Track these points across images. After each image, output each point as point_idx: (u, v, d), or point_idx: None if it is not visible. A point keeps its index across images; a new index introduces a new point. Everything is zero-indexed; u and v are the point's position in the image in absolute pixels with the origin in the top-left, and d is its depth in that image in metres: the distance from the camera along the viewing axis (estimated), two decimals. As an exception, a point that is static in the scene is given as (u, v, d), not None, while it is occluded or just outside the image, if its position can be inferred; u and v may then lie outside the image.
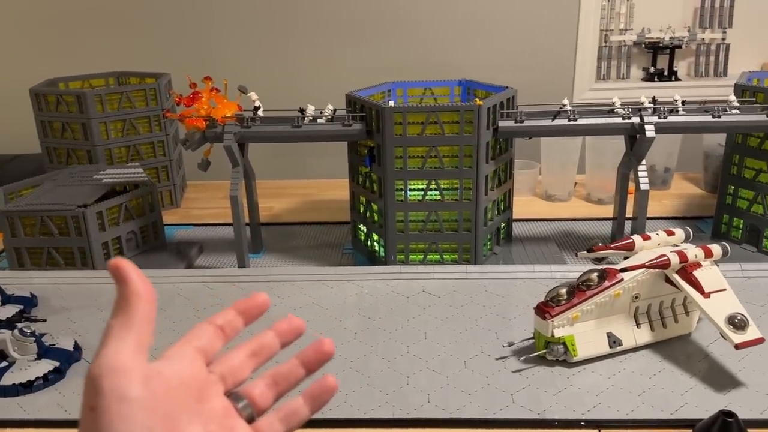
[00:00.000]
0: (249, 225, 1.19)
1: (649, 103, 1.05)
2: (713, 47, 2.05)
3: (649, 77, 2.04)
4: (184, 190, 1.57)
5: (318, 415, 0.78)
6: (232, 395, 0.40)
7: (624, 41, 2.03)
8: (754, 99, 1.09)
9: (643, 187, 1.04)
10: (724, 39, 2.04)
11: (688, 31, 2.01)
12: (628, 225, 1.14)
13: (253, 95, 1.07)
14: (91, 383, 0.34)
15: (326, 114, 1.08)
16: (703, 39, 2.04)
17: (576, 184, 1.48)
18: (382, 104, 1.04)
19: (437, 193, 1.09)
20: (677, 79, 2.04)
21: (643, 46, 2.03)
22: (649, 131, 1.01)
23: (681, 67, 2.07)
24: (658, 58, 2.04)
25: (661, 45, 2.01)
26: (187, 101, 1.05)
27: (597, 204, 1.43)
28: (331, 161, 1.59)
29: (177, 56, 1.91)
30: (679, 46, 2.01)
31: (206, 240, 1.28)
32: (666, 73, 2.04)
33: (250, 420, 0.40)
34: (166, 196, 1.45)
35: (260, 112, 1.07)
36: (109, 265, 0.36)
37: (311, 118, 1.07)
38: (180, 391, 0.36)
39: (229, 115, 1.05)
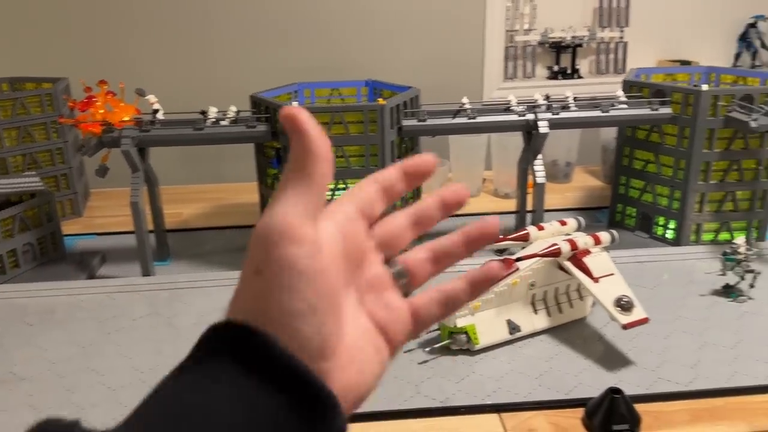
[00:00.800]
0: (154, 232, 1.17)
1: (543, 100, 1.10)
2: (612, 45, 2.15)
3: (553, 75, 2.12)
4: (88, 199, 1.52)
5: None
6: (389, 263, 0.37)
7: (528, 41, 2.10)
8: (640, 94, 1.15)
9: (539, 180, 1.09)
10: (622, 37, 2.15)
11: (588, 30, 2.11)
12: (529, 217, 1.18)
13: (152, 98, 1.05)
14: (261, 243, 0.31)
15: (229, 116, 1.07)
16: (603, 38, 2.14)
17: (484, 180, 1.52)
18: (286, 105, 1.04)
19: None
20: (580, 77, 2.14)
21: (547, 45, 2.11)
22: (543, 127, 1.06)
23: (583, 65, 2.17)
24: (561, 56, 2.12)
25: (563, 44, 2.09)
26: (81, 106, 1.01)
27: (504, 198, 1.48)
28: (241, 164, 1.57)
29: (75, 60, 1.83)
30: (580, 45, 2.10)
31: (110, 249, 1.24)
32: (569, 71, 2.13)
33: (406, 292, 0.37)
34: (68, 206, 1.40)
35: (160, 115, 1.05)
36: (283, 113, 0.31)
37: (214, 120, 1.05)
38: (342, 258, 0.33)
39: (126, 119, 1.02)
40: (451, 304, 0.38)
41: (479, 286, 0.38)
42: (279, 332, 0.30)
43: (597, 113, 1.09)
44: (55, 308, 1.02)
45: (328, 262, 0.32)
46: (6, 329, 0.96)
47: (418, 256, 0.38)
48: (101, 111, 1.02)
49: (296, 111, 0.31)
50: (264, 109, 1.09)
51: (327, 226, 0.33)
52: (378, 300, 0.36)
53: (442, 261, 0.39)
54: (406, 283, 0.37)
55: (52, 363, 0.87)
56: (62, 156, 1.37)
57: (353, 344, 0.33)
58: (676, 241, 1.16)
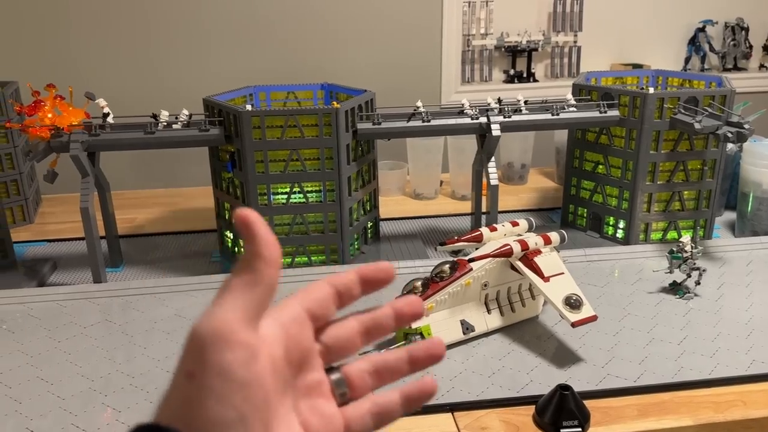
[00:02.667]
0: (105, 238, 1.15)
1: (495, 104, 1.11)
2: (566, 50, 2.20)
3: (509, 79, 2.15)
4: (39, 205, 1.48)
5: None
6: (330, 370, 0.36)
7: (485, 45, 2.13)
8: (589, 97, 1.18)
9: (493, 182, 1.10)
10: (575, 42, 2.20)
11: (543, 35, 2.15)
12: (484, 219, 1.20)
13: (102, 102, 1.03)
14: (195, 346, 0.30)
15: (181, 119, 1.06)
16: (557, 42, 2.18)
17: (442, 182, 1.54)
18: (240, 108, 1.04)
19: (301, 195, 1.10)
20: (535, 81, 2.17)
21: (503, 49, 2.14)
22: (495, 130, 1.08)
23: (538, 68, 2.21)
24: (517, 60, 2.16)
25: (519, 48, 2.13)
26: (29, 110, 0.99)
27: (461, 200, 1.49)
28: (195, 168, 1.55)
29: (23, 63, 1.79)
30: (536, 49, 2.14)
31: (61, 256, 1.21)
32: (525, 75, 2.16)
33: (343, 402, 0.36)
34: (18, 212, 1.36)
35: (110, 119, 1.03)
36: (236, 216, 0.32)
37: (165, 123, 1.04)
38: (282, 362, 0.33)
39: (75, 123, 1.00)
40: (384, 417, 0.37)
41: (414, 401, 0.38)
42: None
43: (547, 116, 1.11)
44: (4, 317, 0.99)
45: (264, 370, 0.31)
46: (-50, 340, 0.93)
47: (359, 367, 0.37)
48: (49, 115, 0.99)
49: (249, 214, 0.32)
50: (217, 112, 1.08)
51: (270, 325, 0.33)
52: (313, 407, 0.35)
53: (383, 376, 0.38)
54: (344, 393, 0.37)
55: (1, 373, 0.85)
56: (12, 161, 1.34)
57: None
58: (626, 240, 1.19)
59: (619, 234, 1.20)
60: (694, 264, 1.01)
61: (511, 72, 2.15)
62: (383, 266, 0.38)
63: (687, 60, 2.26)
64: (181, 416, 0.30)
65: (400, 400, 0.37)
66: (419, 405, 0.38)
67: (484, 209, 1.21)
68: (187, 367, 0.30)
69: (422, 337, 0.86)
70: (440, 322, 0.87)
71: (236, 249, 1.17)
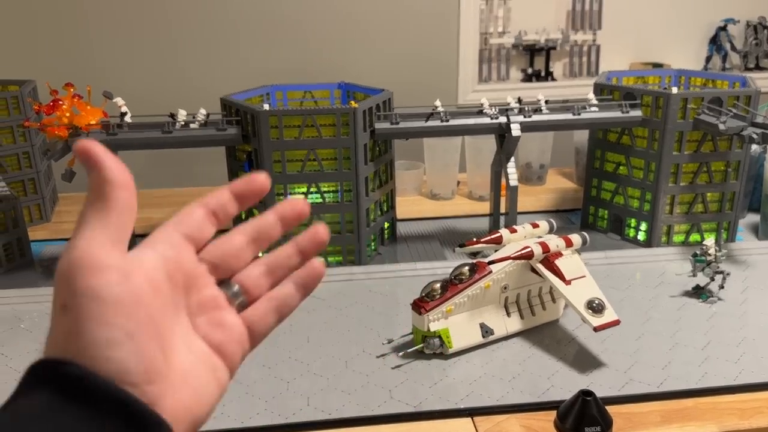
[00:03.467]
0: (123, 236, 1.15)
1: (515, 103, 1.10)
2: (585, 48, 2.18)
3: (527, 78, 2.13)
4: (56, 204, 1.49)
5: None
6: (224, 283, 0.38)
7: (503, 44, 2.11)
8: (611, 96, 1.16)
9: (512, 183, 1.09)
10: (594, 40, 2.17)
11: (562, 33, 2.13)
12: (503, 220, 1.18)
13: (120, 101, 1.03)
14: (62, 279, 0.31)
15: (199, 119, 1.05)
16: (576, 41, 2.16)
17: (459, 182, 1.52)
18: (257, 108, 1.03)
19: (318, 196, 1.09)
20: (553, 80, 2.15)
21: (521, 48, 2.12)
22: (515, 130, 1.06)
23: (557, 67, 2.19)
24: (535, 59, 2.14)
25: (537, 47, 2.11)
26: (47, 109, 0.99)
27: (478, 201, 1.48)
28: (211, 168, 1.55)
29: (42, 62, 1.80)
30: (554, 48, 2.12)
31: (79, 254, 1.21)
32: (543, 74, 2.14)
33: (242, 309, 0.38)
34: (35, 211, 1.37)
35: (128, 118, 1.03)
36: (76, 147, 0.32)
37: (183, 123, 1.04)
38: (165, 285, 0.33)
39: (93, 122, 1.00)
40: (284, 308, 0.39)
41: (307, 286, 0.40)
42: (94, 363, 0.29)
43: (568, 116, 1.10)
44: (21, 316, 1.00)
45: (142, 289, 0.32)
46: (-31, 338, 0.94)
47: (252, 272, 0.39)
48: (67, 114, 0.99)
49: (89, 144, 0.32)
50: (235, 111, 1.08)
51: (144, 252, 0.34)
52: (212, 321, 0.36)
53: (277, 274, 0.39)
54: (243, 301, 0.38)
55: (18, 372, 0.85)
56: (29, 160, 1.34)
57: (186, 367, 0.34)
58: (648, 243, 1.17)
59: (641, 236, 1.18)
60: (718, 267, 0.99)
61: (529, 71, 2.13)
62: (257, 178, 0.38)
63: (708, 59, 2.23)
64: (64, 347, 0.30)
65: (294, 287, 0.39)
66: (312, 288, 0.40)
67: (502, 210, 1.19)
68: (61, 300, 0.30)
69: (441, 340, 0.85)
70: (459, 325, 0.86)
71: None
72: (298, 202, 0.40)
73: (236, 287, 0.38)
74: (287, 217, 0.40)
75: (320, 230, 0.40)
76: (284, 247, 0.40)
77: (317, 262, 0.40)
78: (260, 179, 0.38)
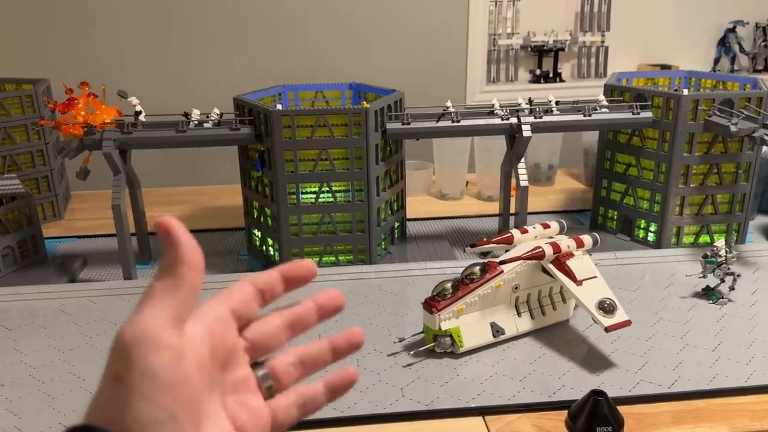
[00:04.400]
0: (136, 235, 1.16)
1: (526, 104, 1.10)
2: (593, 49, 2.18)
3: (535, 79, 2.13)
4: (68, 201, 1.50)
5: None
6: (256, 365, 0.38)
7: (511, 45, 2.11)
8: (622, 98, 1.16)
9: (522, 183, 1.09)
10: (603, 42, 2.17)
11: (570, 34, 2.13)
12: (513, 220, 1.19)
13: (134, 100, 1.04)
14: (121, 350, 0.31)
15: (212, 118, 1.06)
16: (584, 42, 2.16)
17: (468, 182, 1.53)
18: (270, 108, 1.04)
19: (330, 195, 1.10)
20: (562, 81, 2.15)
21: (529, 49, 2.12)
22: (526, 131, 1.06)
23: (565, 68, 2.19)
24: (544, 60, 2.14)
25: (545, 48, 2.11)
26: (62, 108, 1.00)
27: (487, 201, 1.48)
28: (222, 166, 1.56)
29: (56, 61, 1.81)
30: (562, 49, 2.12)
31: (91, 252, 1.23)
32: (551, 75, 2.14)
33: (269, 395, 0.38)
34: (48, 208, 1.38)
35: (142, 117, 1.04)
36: (157, 223, 0.33)
37: (197, 122, 1.05)
38: (208, 361, 0.34)
39: (108, 121, 1.01)
40: (309, 406, 0.39)
41: (337, 390, 0.40)
42: None
43: (579, 117, 1.10)
44: (36, 312, 1.01)
45: (191, 370, 0.32)
46: (-15, 334, 0.95)
47: (285, 360, 0.39)
48: (82, 113, 1.00)
49: (169, 221, 0.33)
50: (248, 111, 1.08)
51: (195, 327, 0.34)
52: (240, 402, 0.36)
53: (308, 367, 0.40)
54: (271, 386, 0.38)
55: (33, 368, 0.86)
56: (43, 158, 1.35)
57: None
58: (657, 244, 1.17)
59: (651, 237, 1.19)
60: (729, 269, 0.99)
61: (538, 72, 2.13)
62: (305, 264, 0.39)
63: (716, 61, 2.22)
64: (111, 418, 0.31)
65: (323, 389, 0.40)
66: (342, 393, 0.40)
67: (512, 211, 1.20)
68: (115, 370, 0.31)
69: (452, 339, 0.86)
70: (470, 325, 0.87)
71: (263, 248, 1.17)
72: (336, 294, 0.40)
73: (267, 371, 0.38)
74: (325, 308, 0.40)
75: (356, 333, 0.41)
76: (319, 342, 0.40)
77: (352, 369, 0.40)
78: (309, 266, 0.39)
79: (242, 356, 0.37)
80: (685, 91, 1.10)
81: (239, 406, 0.36)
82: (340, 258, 1.14)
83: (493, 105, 1.11)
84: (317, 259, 1.13)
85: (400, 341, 0.90)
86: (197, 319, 0.35)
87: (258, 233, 1.18)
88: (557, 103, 1.11)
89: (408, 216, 1.28)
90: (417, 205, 1.45)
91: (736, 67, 2.21)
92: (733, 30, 2.18)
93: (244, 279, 0.38)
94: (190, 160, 1.82)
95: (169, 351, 0.31)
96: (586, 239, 0.91)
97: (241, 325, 0.37)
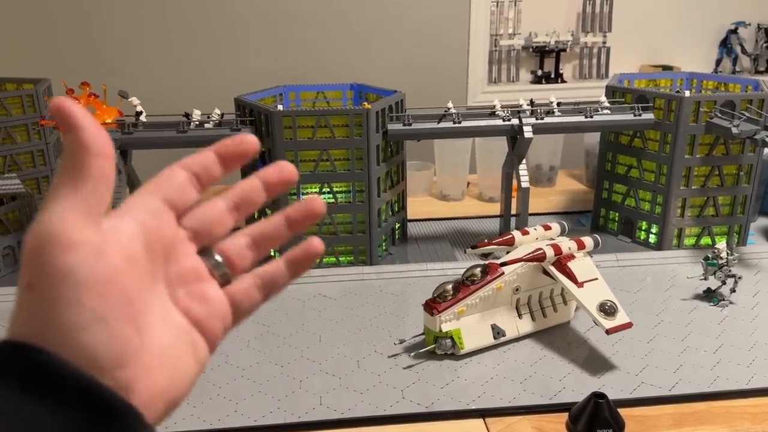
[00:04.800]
0: (137, 235, 1.15)
1: (527, 105, 1.10)
2: (595, 50, 2.17)
3: (537, 80, 2.13)
4: (70, 201, 1.50)
5: (206, 425, 0.77)
6: (205, 252, 0.35)
7: (513, 45, 2.11)
8: (623, 99, 1.16)
9: (524, 185, 1.09)
10: (605, 42, 2.17)
11: (572, 35, 2.13)
12: (514, 221, 1.19)
13: (135, 100, 1.04)
14: (29, 255, 0.28)
15: (213, 119, 1.06)
16: (586, 43, 2.16)
17: (468, 183, 1.53)
18: (271, 108, 1.04)
19: (331, 196, 1.10)
20: (563, 81, 2.15)
21: (531, 50, 2.12)
22: (527, 132, 1.06)
23: (566, 69, 2.19)
24: (545, 61, 2.14)
25: (547, 49, 2.11)
26: (63, 108, 1.00)
27: (488, 202, 1.48)
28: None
29: (57, 61, 1.82)
30: (564, 50, 2.12)
31: (92, 252, 1.22)
32: (553, 76, 2.14)
33: (225, 282, 0.35)
34: (49, 208, 1.38)
35: (143, 118, 1.04)
36: (52, 106, 0.28)
37: (198, 123, 1.05)
38: (142, 256, 0.31)
39: (109, 121, 1.01)
40: (272, 286, 0.36)
41: (300, 265, 0.36)
42: (62, 348, 0.27)
43: (581, 118, 1.10)
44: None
45: (116, 265, 0.29)
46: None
47: (237, 242, 0.36)
48: (83, 113, 1.00)
49: (67, 103, 0.28)
50: (248, 112, 1.08)
51: (120, 222, 0.31)
52: (192, 294, 0.34)
53: (263, 246, 0.36)
54: (226, 273, 0.35)
55: (32, 369, 0.86)
56: (44, 158, 1.35)
57: (163, 346, 0.31)
58: (658, 246, 1.17)
59: (652, 239, 1.18)
60: (730, 271, 0.99)
61: (539, 72, 2.13)
62: (243, 138, 0.35)
63: (718, 62, 2.22)
64: (33, 331, 0.28)
65: (285, 265, 0.36)
66: (306, 267, 0.37)
67: (513, 212, 1.19)
68: (27, 277, 0.28)
69: (452, 340, 0.85)
70: (471, 326, 0.87)
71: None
72: (285, 164, 0.36)
73: (219, 258, 0.35)
74: (272, 182, 0.36)
75: (316, 201, 0.36)
76: (272, 217, 0.36)
77: (315, 240, 0.36)
78: (248, 139, 0.35)
79: (186, 246, 0.34)
80: (687, 93, 1.10)
81: (191, 298, 0.33)
82: (340, 259, 1.13)
83: (494, 106, 1.11)
84: (318, 259, 1.13)
85: (400, 343, 0.90)
86: (124, 214, 0.31)
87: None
88: (559, 104, 1.11)
89: (408, 217, 1.28)
90: (418, 206, 1.45)
91: (737, 69, 2.21)
92: (735, 31, 2.17)
93: (174, 164, 0.34)
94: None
95: (84, 248, 0.28)
96: (587, 241, 0.91)
97: (179, 213, 0.34)
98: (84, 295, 0.28)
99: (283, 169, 0.36)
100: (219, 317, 0.35)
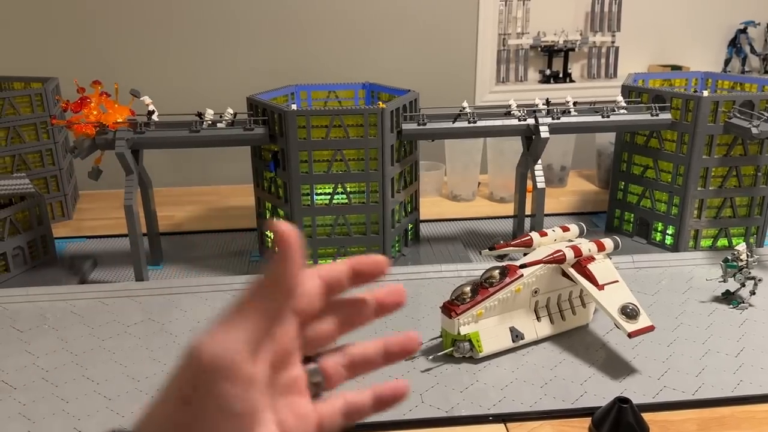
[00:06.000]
0: (147, 235, 1.14)
1: (543, 105, 1.09)
2: (604, 50, 2.16)
3: (545, 79, 2.12)
4: (77, 201, 1.49)
5: None
6: (306, 360, 0.35)
7: (521, 45, 2.10)
8: (640, 99, 1.15)
9: (539, 185, 1.08)
10: (613, 42, 2.16)
11: (581, 34, 2.11)
12: (528, 222, 1.17)
13: (147, 99, 1.03)
14: (196, 372, 0.28)
15: (226, 118, 1.05)
16: (595, 42, 2.14)
17: (479, 183, 1.51)
18: (285, 108, 1.03)
19: (344, 196, 1.09)
20: (571, 81, 2.14)
21: (539, 49, 2.11)
22: (544, 132, 1.05)
23: (575, 69, 2.17)
24: (554, 60, 2.12)
25: (555, 48, 2.09)
26: (74, 107, 0.99)
27: (499, 202, 1.47)
28: (234, 166, 1.55)
29: (67, 59, 1.80)
30: (573, 49, 2.11)
31: (101, 253, 1.21)
32: (561, 75, 2.13)
33: (315, 393, 0.35)
34: (57, 208, 1.37)
35: (155, 117, 1.02)
36: (276, 232, 0.29)
37: (210, 122, 1.03)
38: (269, 371, 0.32)
39: (120, 120, 1.00)
40: (355, 416, 0.36)
41: (384, 403, 0.37)
42: None
43: (597, 118, 1.09)
44: (46, 313, 0.99)
45: (258, 396, 0.30)
46: (-5, 336, 0.93)
47: (336, 360, 0.36)
48: (95, 112, 0.99)
49: (290, 233, 0.29)
50: (261, 111, 1.07)
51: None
52: (289, 406, 0.34)
53: (358, 369, 0.37)
54: (318, 383, 0.35)
55: (45, 371, 0.84)
56: (52, 157, 1.34)
57: None
58: (675, 247, 1.16)
59: (668, 240, 1.17)
60: (750, 273, 0.97)
61: (547, 72, 2.12)
62: (378, 259, 0.35)
63: (727, 62, 2.21)
64: None
65: (371, 400, 0.37)
66: (389, 407, 0.37)
67: (527, 212, 1.18)
68: (184, 391, 0.29)
69: (471, 343, 0.84)
70: (489, 329, 0.85)
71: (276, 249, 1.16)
72: (397, 289, 0.37)
73: (316, 366, 0.36)
74: (383, 303, 0.37)
75: (413, 339, 0.37)
76: (373, 343, 0.37)
77: (404, 383, 0.37)
78: (383, 262, 0.35)
79: (297, 354, 0.35)
80: (705, 93, 1.08)
81: (288, 410, 0.34)
82: (353, 260, 1.12)
83: (509, 105, 1.09)
84: (331, 261, 1.12)
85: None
86: None
87: (271, 234, 1.17)
88: (575, 103, 1.10)
89: (421, 217, 1.27)
90: (428, 206, 1.43)
91: (746, 68, 2.19)
92: (744, 31, 2.16)
93: (312, 270, 0.34)
94: (200, 159, 1.81)
95: (246, 382, 0.29)
96: (607, 243, 0.90)
97: (302, 322, 0.34)
98: (229, 423, 0.29)
99: (394, 292, 0.37)
100: None
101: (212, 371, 0.28)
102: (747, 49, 2.18)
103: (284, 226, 0.29)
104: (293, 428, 0.34)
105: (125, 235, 1.05)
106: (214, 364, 0.28)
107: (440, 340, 0.88)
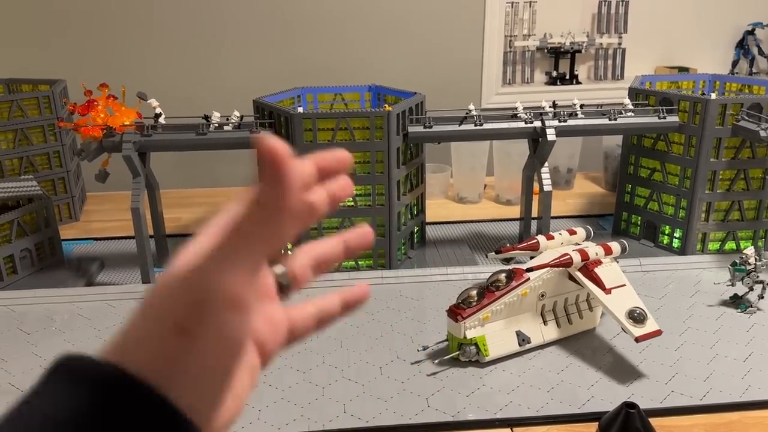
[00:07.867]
0: (154, 237, 1.14)
1: (550, 107, 1.08)
2: (610, 51, 2.16)
3: (551, 81, 2.12)
4: (84, 203, 1.49)
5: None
6: (272, 263, 0.35)
7: (527, 46, 2.10)
8: (647, 102, 1.14)
9: (546, 188, 1.07)
10: (620, 44, 2.15)
11: (587, 36, 2.11)
12: (534, 225, 1.17)
13: (154, 102, 1.03)
14: (196, 301, 0.27)
15: (233, 121, 1.05)
16: (601, 44, 2.14)
17: (485, 186, 1.51)
18: (291, 110, 1.03)
19: (350, 199, 1.09)
20: (578, 83, 2.14)
21: (546, 51, 2.10)
22: (551, 135, 1.05)
23: (581, 70, 2.17)
24: (560, 62, 2.12)
25: (562, 50, 2.09)
26: (81, 110, 0.99)
27: (506, 205, 1.46)
28: (238, 168, 1.55)
29: (73, 62, 1.81)
30: (579, 51, 2.10)
31: (108, 255, 1.22)
32: (567, 77, 2.12)
33: (284, 296, 0.35)
34: (65, 210, 1.37)
35: (162, 120, 1.03)
36: (259, 146, 0.25)
37: (217, 125, 1.04)
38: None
39: (127, 123, 1.00)
40: (325, 320, 0.37)
41: (350, 306, 0.38)
42: (186, 399, 0.27)
43: (604, 121, 1.08)
44: (53, 315, 1.00)
45: (251, 324, 0.30)
46: (4, 337, 0.94)
47: (300, 260, 0.36)
48: (102, 115, 0.99)
49: (281, 148, 0.26)
50: (268, 114, 1.07)
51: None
52: (262, 314, 0.34)
53: (322, 266, 0.36)
54: (287, 286, 0.35)
55: (52, 374, 0.85)
56: (59, 159, 1.35)
57: (237, 375, 0.32)
58: (682, 250, 1.15)
59: (675, 243, 1.16)
60: (758, 277, 0.97)
61: (554, 74, 2.11)
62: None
63: (734, 63, 2.20)
64: (159, 370, 0.27)
65: (339, 304, 0.37)
66: (354, 309, 0.38)
67: (534, 215, 1.18)
68: (179, 319, 0.27)
69: (477, 347, 0.84)
70: (495, 333, 0.85)
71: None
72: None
73: (284, 269, 0.35)
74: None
75: (369, 232, 0.37)
76: (331, 239, 0.36)
77: (365, 286, 0.38)
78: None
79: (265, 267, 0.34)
80: (713, 95, 1.08)
81: (261, 318, 0.33)
82: (360, 263, 1.12)
83: (516, 108, 1.09)
84: (336, 264, 1.12)
85: (424, 349, 0.88)
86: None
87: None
88: (582, 106, 1.09)
89: (427, 220, 1.27)
90: (434, 208, 1.43)
91: (754, 70, 2.18)
92: (752, 32, 2.15)
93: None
94: (206, 161, 1.81)
95: (247, 312, 0.29)
96: (614, 246, 0.89)
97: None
98: (227, 353, 0.29)
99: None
100: (278, 339, 0.35)
101: (213, 300, 0.27)
102: (755, 50, 2.17)
103: (271, 141, 0.25)
104: (266, 335, 0.34)
105: (132, 237, 1.05)
106: (216, 293, 0.27)
107: (446, 343, 0.87)
